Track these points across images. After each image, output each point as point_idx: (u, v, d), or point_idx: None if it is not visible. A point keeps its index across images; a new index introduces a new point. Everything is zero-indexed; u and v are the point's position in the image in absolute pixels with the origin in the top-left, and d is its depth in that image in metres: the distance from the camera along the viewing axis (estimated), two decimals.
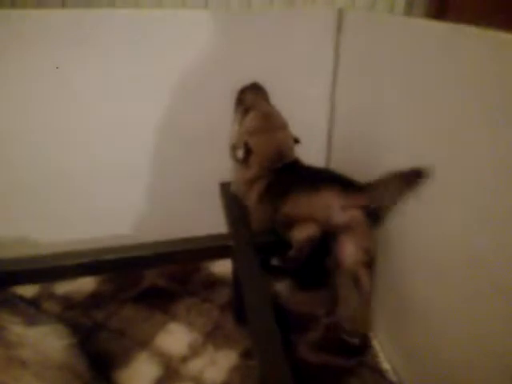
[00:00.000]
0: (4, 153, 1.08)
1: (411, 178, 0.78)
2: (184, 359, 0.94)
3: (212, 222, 1.02)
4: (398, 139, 0.83)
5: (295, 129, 1.03)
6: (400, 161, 0.82)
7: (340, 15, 1.06)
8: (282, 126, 0.99)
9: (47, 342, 0.72)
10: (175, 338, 1.00)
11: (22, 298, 0.83)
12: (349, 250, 0.80)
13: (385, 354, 0.96)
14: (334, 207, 0.82)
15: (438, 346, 0.75)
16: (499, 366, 0.60)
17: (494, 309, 0.60)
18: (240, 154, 0.97)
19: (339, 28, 1.07)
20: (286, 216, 0.89)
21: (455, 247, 0.68)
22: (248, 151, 0.96)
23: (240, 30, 1.07)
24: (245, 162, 0.97)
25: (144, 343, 0.98)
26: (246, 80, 1.06)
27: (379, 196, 0.82)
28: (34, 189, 1.14)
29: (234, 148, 0.99)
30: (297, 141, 1.00)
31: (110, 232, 1.21)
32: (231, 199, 1.05)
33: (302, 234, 0.87)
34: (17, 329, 0.70)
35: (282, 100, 1.04)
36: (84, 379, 0.71)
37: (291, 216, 0.89)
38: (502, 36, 0.55)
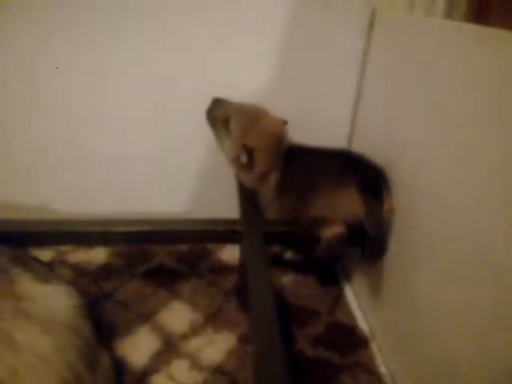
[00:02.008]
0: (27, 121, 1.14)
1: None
2: (184, 337, 0.96)
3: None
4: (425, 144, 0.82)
5: (320, 123, 1.03)
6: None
7: (373, 16, 1.06)
8: (264, 112, 0.99)
9: (57, 299, 0.74)
10: (177, 315, 1.01)
11: (35, 258, 0.86)
12: None
13: (383, 357, 0.96)
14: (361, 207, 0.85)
15: (442, 354, 0.73)
16: (504, 375, 0.58)
17: (501, 317, 0.59)
18: (244, 158, 0.95)
19: (371, 28, 1.06)
20: (314, 216, 0.93)
21: (466, 248, 0.66)
22: (250, 151, 0.94)
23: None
24: (251, 163, 0.96)
25: (147, 317, 1.00)
26: (274, 73, 1.09)
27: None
28: (56, 160, 1.19)
29: (236, 159, 0.98)
30: (285, 122, 1.00)
31: (133, 209, 1.23)
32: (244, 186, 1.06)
33: (330, 232, 0.91)
34: (27, 284, 0.72)
35: (309, 95, 1.04)
36: (87, 341, 0.73)
37: (319, 217, 0.92)
38: None
